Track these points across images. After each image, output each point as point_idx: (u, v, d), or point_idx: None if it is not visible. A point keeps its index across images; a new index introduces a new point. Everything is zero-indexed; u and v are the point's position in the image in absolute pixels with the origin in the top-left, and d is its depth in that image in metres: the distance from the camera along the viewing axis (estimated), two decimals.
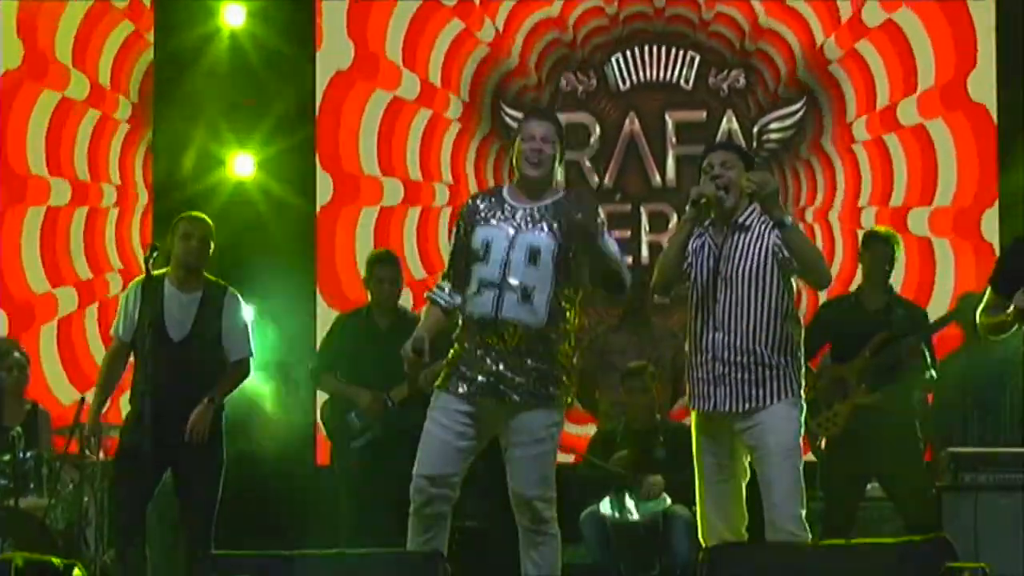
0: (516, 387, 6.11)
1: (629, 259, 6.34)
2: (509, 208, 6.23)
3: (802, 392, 6.37)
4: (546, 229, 6.16)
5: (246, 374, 7.89)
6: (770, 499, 6.26)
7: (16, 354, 9.10)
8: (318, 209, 10.33)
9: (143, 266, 7.31)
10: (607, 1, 10.34)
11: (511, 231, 6.17)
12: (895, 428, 7.96)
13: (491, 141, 10.37)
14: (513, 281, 6.10)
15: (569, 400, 6.30)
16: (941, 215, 10.01)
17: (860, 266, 8.31)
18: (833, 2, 10.14)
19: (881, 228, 8.89)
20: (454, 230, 6.40)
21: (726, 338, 6.28)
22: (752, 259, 6.30)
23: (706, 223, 6.43)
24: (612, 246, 6.31)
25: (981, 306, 6.66)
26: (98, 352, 9.57)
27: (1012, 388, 8.75)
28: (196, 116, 10.24)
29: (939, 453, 8.39)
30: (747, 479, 6.42)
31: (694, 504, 6.56)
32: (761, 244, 6.30)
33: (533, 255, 6.12)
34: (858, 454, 7.89)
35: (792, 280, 6.38)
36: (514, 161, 6.30)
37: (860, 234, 9.67)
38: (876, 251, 8.15)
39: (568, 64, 10.36)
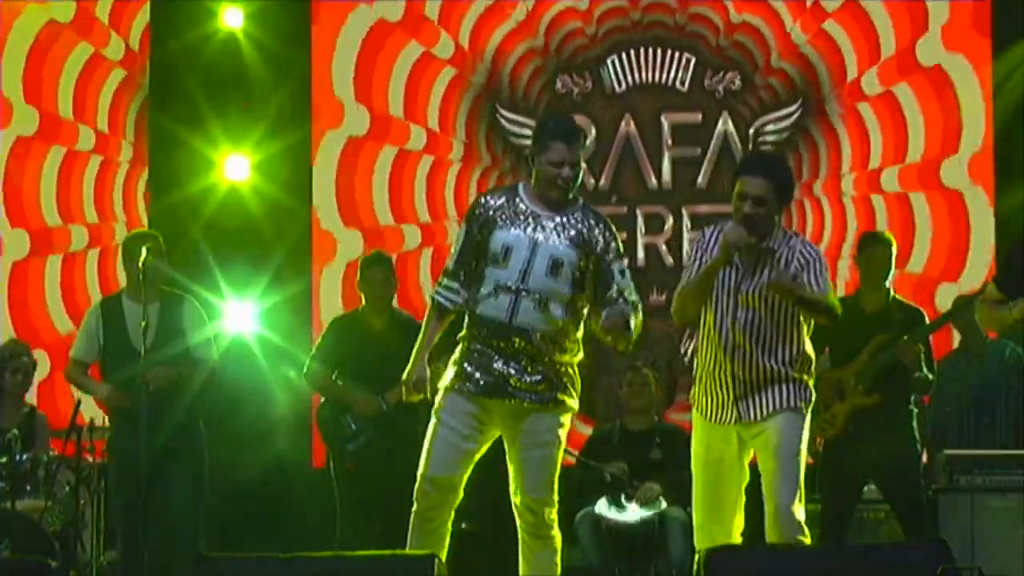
0: (524, 389, 6.10)
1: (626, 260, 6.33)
2: (532, 214, 6.17)
3: (811, 405, 6.40)
4: (570, 242, 6.13)
5: (206, 372, 7.90)
6: (772, 501, 6.27)
7: (25, 358, 9.13)
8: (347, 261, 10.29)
9: (143, 273, 7.46)
10: (586, 22, 10.33)
11: (534, 239, 6.12)
12: (891, 430, 7.96)
13: (491, 172, 10.38)
14: (532, 288, 6.07)
15: (575, 405, 6.27)
16: (910, 170, 10.17)
17: (858, 269, 8.29)
18: None
19: (877, 231, 8.91)
20: (465, 226, 6.26)
21: (746, 356, 6.28)
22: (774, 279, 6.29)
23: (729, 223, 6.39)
24: (627, 276, 6.22)
25: (983, 296, 6.70)
26: (95, 289, 10.18)
27: (1008, 390, 8.76)
28: (192, 118, 10.24)
29: (936, 455, 8.40)
30: (747, 483, 6.42)
31: (690, 506, 6.56)
32: (783, 263, 6.28)
33: (555, 266, 6.10)
34: (855, 456, 7.89)
35: None
36: (535, 175, 6.21)
37: (846, 202, 9.80)
38: (874, 253, 8.14)
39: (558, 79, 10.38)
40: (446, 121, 10.41)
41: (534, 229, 6.13)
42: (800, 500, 6.26)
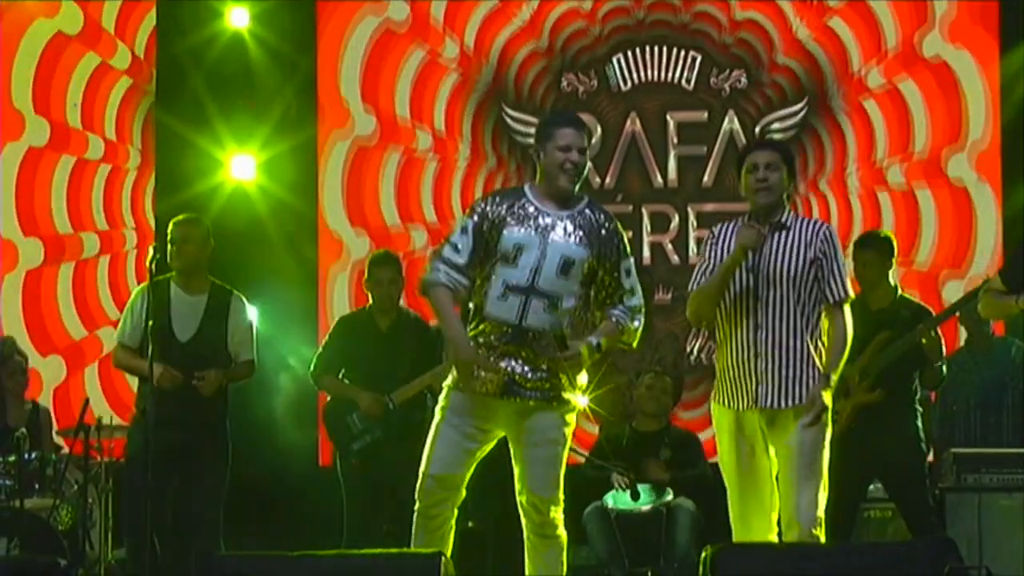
0: (530, 388, 6.09)
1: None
2: (541, 213, 6.16)
3: (829, 398, 6.43)
4: (579, 241, 6.13)
5: (251, 373, 8.01)
6: (790, 501, 6.32)
7: (18, 356, 9.14)
8: (353, 261, 10.33)
9: (150, 272, 7.40)
10: (591, 22, 10.33)
11: (544, 239, 6.11)
12: (897, 428, 7.96)
13: (497, 174, 10.40)
14: (542, 288, 6.07)
15: (582, 404, 6.27)
16: (914, 164, 10.20)
17: (857, 273, 8.25)
18: None
19: (877, 229, 8.93)
20: (471, 221, 6.18)
21: (768, 335, 6.33)
22: (794, 260, 6.35)
23: (745, 218, 6.45)
24: (632, 275, 6.24)
25: (987, 286, 6.74)
26: (106, 296, 10.49)
27: (1014, 389, 8.76)
28: (198, 117, 10.25)
29: (942, 454, 8.40)
30: (776, 470, 6.44)
31: (697, 502, 6.56)
32: (803, 248, 6.36)
33: (566, 266, 6.09)
34: (860, 454, 7.88)
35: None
36: (542, 168, 6.20)
37: (852, 199, 9.80)
38: (878, 250, 8.14)
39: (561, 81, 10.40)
40: (452, 123, 10.42)
41: (544, 228, 6.12)
42: (823, 489, 6.31)
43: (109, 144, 10.53)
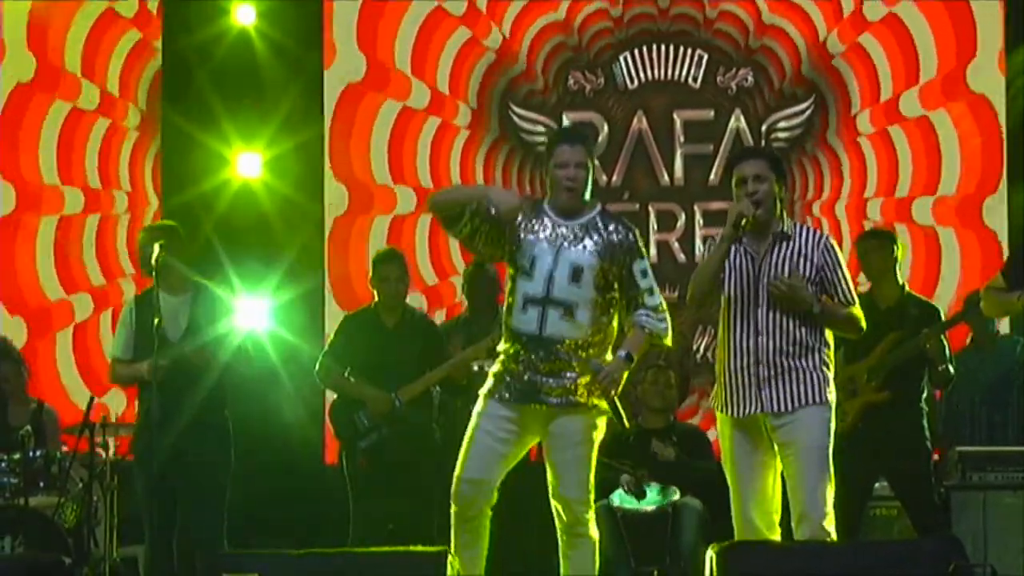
0: (555, 394, 6.24)
1: None
2: (553, 224, 6.32)
3: (833, 397, 6.45)
4: (587, 247, 6.26)
5: (206, 355, 7.83)
6: (800, 496, 6.34)
7: (15, 353, 9.15)
8: (331, 219, 10.31)
9: (154, 270, 7.48)
10: (612, 3, 10.34)
11: (556, 247, 6.26)
12: (904, 427, 7.96)
13: (500, 145, 10.37)
14: (556, 298, 6.21)
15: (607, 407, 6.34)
16: (945, 204, 10.08)
17: (863, 266, 8.25)
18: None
19: (880, 228, 8.92)
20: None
21: (769, 341, 6.37)
22: (795, 269, 6.40)
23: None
24: (648, 275, 6.33)
25: (989, 284, 6.77)
26: (91, 258, 10.19)
27: (1020, 387, 8.75)
28: (204, 115, 10.25)
29: (948, 452, 8.39)
30: (780, 469, 6.47)
31: (703, 499, 6.57)
32: (804, 257, 6.43)
33: (576, 273, 6.23)
34: (867, 452, 7.89)
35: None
36: (548, 184, 6.38)
37: (867, 225, 9.75)
38: (883, 248, 8.14)
39: (575, 65, 10.36)
40: (457, 84, 10.38)
41: (555, 238, 6.28)
42: (830, 485, 6.33)
43: (107, 97, 10.29)
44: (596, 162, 6.47)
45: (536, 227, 6.31)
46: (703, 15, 10.30)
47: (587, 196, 6.35)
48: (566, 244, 6.26)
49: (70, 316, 10.28)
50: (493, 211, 6.20)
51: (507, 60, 10.38)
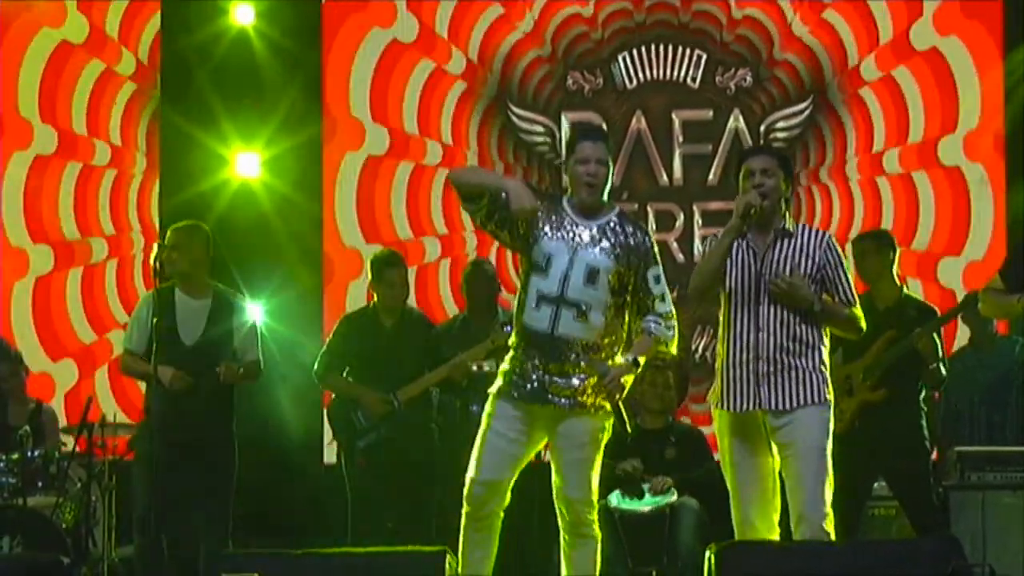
0: (564, 394, 6.24)
1: None
2: (571, 223, 6.30)
3: (832, 397, 6.46)
4: (604, 250, 6.26)
5: (257, 373, 8.04)
6: (799, 497, 6.34)
7: (13, 353, 9.16)
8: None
9: (154, 269, 7.51)
10: (590, 24, 10.33)
11: (573, 247, 6.25)
12: (901, 426, 7.96)
13: (494, 111, 10.38)
14: (571, 298, 6.20)
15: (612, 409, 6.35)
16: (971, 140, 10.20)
17: (859, 267, 8.24)
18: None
19: (876, 230, 8.97)
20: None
21: (769, 337, 6.39)
22: (797, 267, 6.42)
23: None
24: (661, 282, 6.33)
25: (987, 284, 6.76)
26: (114, 299, 10.56)
27: (1018, 387, 8.75)
28: (204, 115, 10.25)
29: (946, 452, 8.40)
30: (779, 468, 6.48)
31: (701, 499, 6.57)
32: (806, 255, 6.44)
33: (592, 275, 6.22)
34: (864, 452, 7.89)
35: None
36: (568, 182, 6.38)
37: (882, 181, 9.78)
38: (880, 251, 8.15)
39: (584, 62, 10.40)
40: (459, 134, 10.41)
41: (573, 238, 6.27)
42: (829, 485, 6.34)
43: (115, 149, 10.59)
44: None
45: (554, 225, 6.29)
46: (677, 18, 10.32)
47: (606, 195, 6.34)
48: (583, 245, 6.25)
49: (108, 352, 10.48)
50: (508, 207, 6.18)
51: (504, 91, 10.38)
